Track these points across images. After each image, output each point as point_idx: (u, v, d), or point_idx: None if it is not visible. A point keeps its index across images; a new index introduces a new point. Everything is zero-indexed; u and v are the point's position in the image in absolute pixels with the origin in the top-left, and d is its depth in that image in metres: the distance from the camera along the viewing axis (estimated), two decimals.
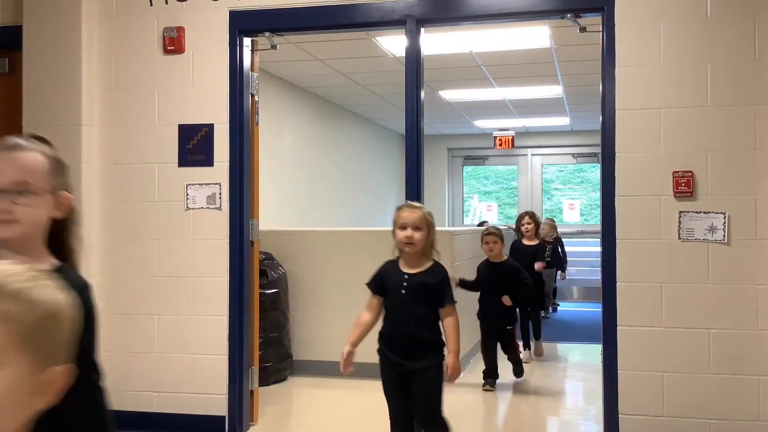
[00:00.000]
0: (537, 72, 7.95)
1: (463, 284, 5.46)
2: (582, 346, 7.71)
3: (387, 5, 4.27)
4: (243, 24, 4.42)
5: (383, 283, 3.32)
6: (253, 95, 4.56)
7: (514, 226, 7.39)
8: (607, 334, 3.97)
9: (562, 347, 7.71)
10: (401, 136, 12.26)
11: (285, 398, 5.46)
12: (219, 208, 4.40)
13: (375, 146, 12.13)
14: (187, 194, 4.43)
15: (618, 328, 3.93)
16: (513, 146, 11.17)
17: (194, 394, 4.40)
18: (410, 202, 3.43)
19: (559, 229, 10.67)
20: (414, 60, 4.28)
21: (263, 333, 5.37)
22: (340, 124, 10.44)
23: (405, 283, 3.25)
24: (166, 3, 4.48)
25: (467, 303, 5.43)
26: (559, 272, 9.28)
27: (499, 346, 5.68)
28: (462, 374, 5.94)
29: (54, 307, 1.01)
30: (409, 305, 3.25)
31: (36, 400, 0.98)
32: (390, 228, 3.38)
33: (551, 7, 4.11)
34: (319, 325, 5.93)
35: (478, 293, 5.68)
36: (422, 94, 4.31)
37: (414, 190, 4.27)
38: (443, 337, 3.31)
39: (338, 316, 5.43)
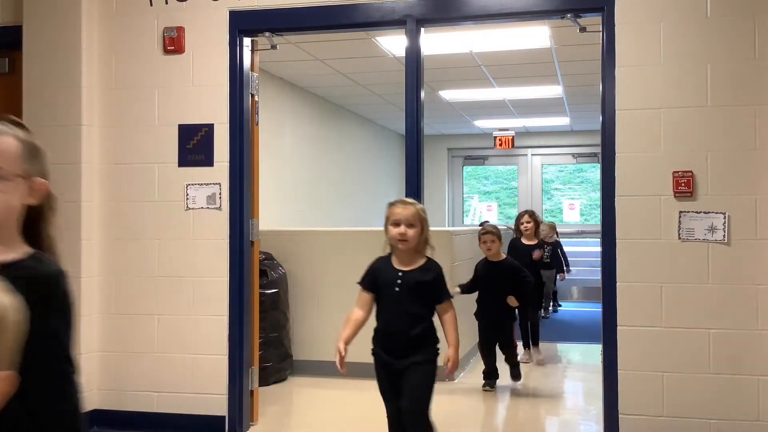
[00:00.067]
0: (537, 72, 7.95)
1: (463, 290, 5.41)
2: (582, 346, 7.71)
3: (387, 5, 4.27)
4: (243, 24, 4.42)
5: (376, 279, 3.26)
6: (253, 95, 4.56)
7: (514, 226, 7.28)
8: (607, 334, 3.97)
9: (562, 347, 7.71)
10: (401, 136, 12.26)
11: (285, 398, 5.46)
12: (219, 208, 4.40)
13: (375, 146, 12.13)
14: (187, 194, 4.43)
15: (618, 328, 3.93)
16: (513, 146, 11.17)
17: (194, 394, 4.40)
18: (403, 198, 3.36)
19: (559, 229, 10.68)
20: (414, 60, 4.28)
21: (263, 333, 5.37)
22: (340, 124, 10.44)
23: (399, 281, 3.20)
24: (166, 3, 4.48)
25: (466, 302, 5.43)
26: (558, 274, 9.25)
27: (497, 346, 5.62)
28: (461, 374, 6.00)
29: None
30: (403, 303, 3.19)
31: None
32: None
33: (551, 7, 4.11)
34: (319, 325, 5.93)
35: (476, 293, 5.59)
36: (422, 94, 4.31)
37: (414, 190, 4.27)
38: (436, 334, 3.27)
39: (338, 316, 5.40)
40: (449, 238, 5.93)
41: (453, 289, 5.37)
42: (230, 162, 4.39)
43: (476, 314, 5.64)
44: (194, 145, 4.44)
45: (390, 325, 3.22)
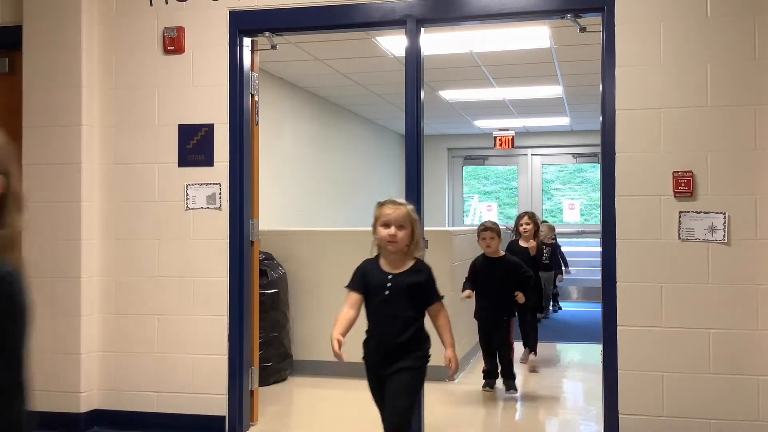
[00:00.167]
0: (537, 72, 7.95)
1: (465, 288, 5.35)
2: (582, 346, 7.71)
3: (387, 5, 4.27)
4: (243, 24, 4.42)
5: (365, 281, 3.15)
6: (253, 95, 4.56)
7: (513, 227, 7.13)
8: (607, 334, 3.97)
9: (562, 347, 7.71)
10: (401, 136, 12.26)
11: (285, 398, 5.46)
12: (219, 208, 4.40)
13: (375, 146, 12.12)
14: (187, 194, 4.43)
15: (618, 328, 3.93)
16: (513, 146, 11.17)
17: (194, 394, 4.40)
18: (393, 198, 3.25)
19: (559, 229, 10.68)
20: (414, 60, 4.28)
21: (263, 333, 5.37)
22: (340, 124, 10.44)
23: (389, 284, 3.11)
24: (166, 3, 4.48)
25: (466, 302, 5.42)
26: (557, 275, 9.19)
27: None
28: (461, 374, 5.99)
29: None
30: (392, 306, 3.10)
31: None
32: None
33: (551, 7, 4.11)
34: (319, 325, 5.92)
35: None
36: (422, 94, 4.31)
37: (414, 190, 4.27)
38: (427, 337, 3.20)
39: None
40: (449, 238, 5.93)
41: (461, 295, 5.33)
42: (230, 162, 4.39)
43: (475, 315, 5.57)
44: (194, 145, 4.44)
45: (380, 330, 3.13)
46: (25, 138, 4.50)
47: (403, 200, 3.25)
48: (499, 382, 5.54)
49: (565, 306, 10.43)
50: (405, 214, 3.13)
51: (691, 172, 3.85)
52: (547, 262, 8.75)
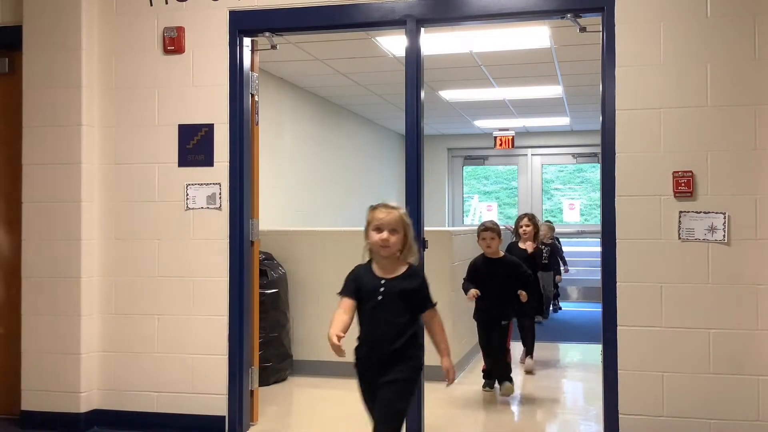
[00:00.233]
0: (537, 72, 7.95)
1: (467, 288, 5.29)
2: (582, 346, 7.71)
3: (387, 5, 4.27)
4: (243, 24, 4.42)
5: (358, 288, 3.07)
6: (253, 95, 4.56)
7: (513, 228, 7.05)
8: (607, 334, 3.97)
9: (562, 347, 7.71)
10: (401, 136, 12.27)
11: (285, 398, 5.46)
12: (219, 208, 4.40)
13: (375, 146, 12.13)
14: (187, 194, 4.43)
15: (618, 328, 3.93)
16: (513, 146, 11.18)
17: (194, 394, 4.40)
18: (385, 202, 3.16)
19: (559, 229, 10.69)
20: (414, 60, 4.28)
21: (263, 333, 5.37)
22: (340, 124, 10.44)
23: (381, 289, 3.03)
24: (166, 3, 4.48)
25: (465, 302, 5.42)
26: (555, 276, 9.15)
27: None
28: (461, 374, 6.00)
29: None
30: (385, 312, 3.02)
31: None
32: None
33: (551, 7, 4.11)
34: (319, 325, 5.91)
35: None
36: (422, 94, 4.31)
37: (414, 190, 4.27)
38: (421, 343, 3.12)
39: None
40: (449, 238, 5.93)
41: (468, 294, 5.24)
42: (230, 162, 4.39)
43: (474, 316, 5.51)
44: (194, 145, 4.44)
45: (373, 336, 3.05)
46: (25, 138, 4.50)
47: (395, 203, 3.16)
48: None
49: (565, 306, 10.43)
50: (398, 218, 3.05)
51: (691, 172, 3.85)
52: (546, 262, 8.75)
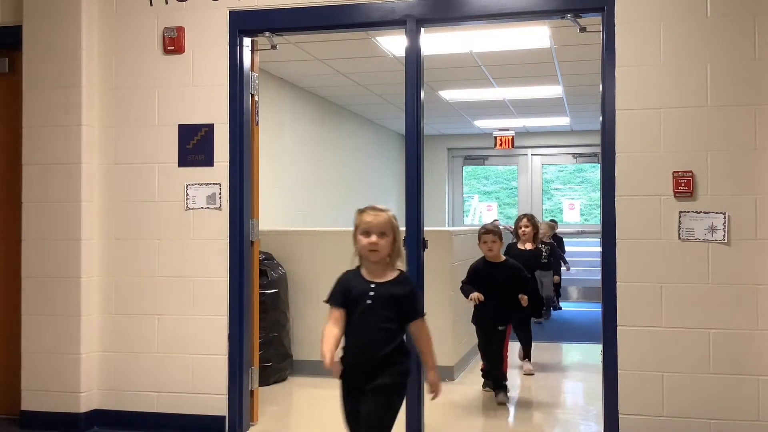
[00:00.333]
0: (537, 72, 7.95)
1: (467, 292, 5.20)
2: (582, 346, 7.71)
3: (387, 5, 4.27)
4: (243, 24, 4.42)
5: (347, 295, 2.98)
6: (253, 95, 4.56)
7: (513, 229, 7.00)
8: (607, 334, 3.97)
9: (562, 347, 7.71)
10: (401, 136, 12.27)
11: (285, 398, 5.46)
12: (219, 208, 4.40)
13: (375, 146, 12.13)
14: (187, 194, 4.43)
15: (618, 328, 3.93)
16: (513, 146, 11.19)
17: (194, 394, 4.40)
18: (374, 205, 3.07)
19: (559, 229, 10.69)
20: (414, 60, 4.28)
21: (263, 333, 5.37)
22: (340, 124, 10.45)
23: (372, 292, 2.94)
24: (166, 3, 4.48)
25: (465, 303, 5.40)
26: (554, 276, 9.10)
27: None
28: (462, 374, 5.99)
29: None
30: (375, 317, 2.92)
31: None
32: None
33: (551, 7, 4.11)
34: (319, 325, 5.84)
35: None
36: (422, 94, 4.31)
37: (414, 190, 4.27)
38: (408, 350, 3.01)
39: None
40: (449, 238, 5.93)
41: (471, 296, 5.11)
42: (230, 162, 4.39)
43: (473, 320, 5.38)
44: (194, 145, 4.44)
45: (362, 341, 2.95)
46: (25, 138, 4.50)
47: (383, 206, 3.07)
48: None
49: (565, 306, 10.43)
50: (386, 220, 2.97)
51: (691, 172, 3.85)
52: (546, 261, 8.74)
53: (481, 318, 5.31)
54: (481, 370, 5.57)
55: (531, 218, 6.62)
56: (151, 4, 4.49)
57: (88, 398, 4.47)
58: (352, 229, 3.09)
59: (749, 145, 3.80)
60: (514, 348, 6.08)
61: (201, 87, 4.44)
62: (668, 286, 3.87)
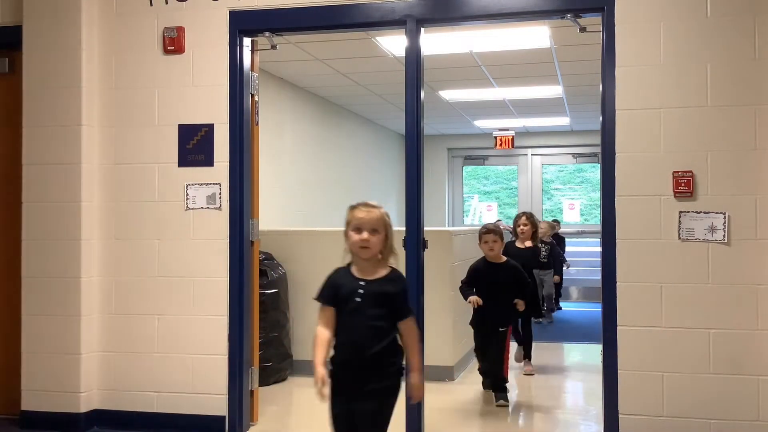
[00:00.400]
0: (537, 72, 7.95)
1: (466, 294, 5.15)
2: (582, 346, 7.71)
3: (387, 5, 4.27)
4: (243, 24, 4.42)
5: (336, 293, 2.95)
6: (253, 95, 4.56)
7: (511, 228, 6.89)
8: (607, 334, 3.97)
9: (562, 347, 7.71)
10: (401, 136, 12.27)
11: (285, 398, 5.46)
12: (219, 208, 4.40)
13: (375, 146, 12.13)
14: (187, 194, 4.43)
15: (618, 328, 3.93)
16: (513, 146, 11.19)
17: (194, 394, 4.40)
18: (366, 201, 3.00)
19: (560, 230, 10.70)
20: (414, 60, 4.28)
21: (263, 333, 5.37)
22: (340, 124, 10.45)
23: (361, 290, 2.89)
24: (166, 3, 4.48)
25: (465, 304, 5.40)
26: (554, 275, 9.04)
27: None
28: (462, 374, 5.99)
29: None
30: (365, 315, 2.87)
31: None
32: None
33: (551, 7, 4.11)
34: None
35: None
36: (422, 94, 4.31)
37: (414, 190, 4.27)
38: (401, 351, 2.95)
39: None
40: (449, 238, 5.93)
41: (470, 299, 5.07)
42: (230, 162, 4.39)
43: (472, 322, 5.28)
44: (194, 145, 4.44)
45: (351, 341, 2.91)
46: (25, 138, 4.50)
47: (376, 203, 3.00)
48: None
49: (565, 306, 10.43)
50: (378, 217, 2.89)
51: (691, 172, 3.85)
52: (545, 260, 8.72)
53: (480, 319, 5.22)
54: (478, 369, 5.51)
55: (530, 216, 6.57)
56: (151, 4, 4.49)
57: (88, 398, 4.47)
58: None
59: (749, 145, 3.80)
60: (512, 349, 6.08)
61: (201, 87, 4.44)
62: (668, 286, 3.87)
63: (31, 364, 4.47)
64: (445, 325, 5.72)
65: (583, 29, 4.24)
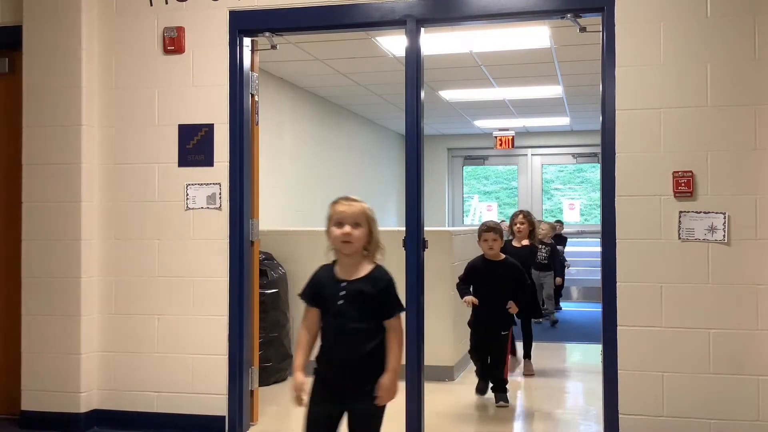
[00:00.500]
0: (537, 72, 7.95)
1: (463, 292, 5.11)
2: (582, 346, 7.71)
3: (387, 5, 4.27)
4: (243, 24, 4.42)
5: (320, 292, 2.86)
6: (253, 95, 4.56)
7: (508, 226, 6.82)
8: (607, 334, 3.97)
9: (562, 347, 7.71)
10: (401, 136, 12.27)
11: (285, 398, 5.44)
12: (219, 208, 4.40)
13: (375, 146, 12.13)
14: (187, 194, 4.43)
15: (618, 328, 3.93)
16: (513, 146, 11.18)
17: (194, 394, 4.40)
18: (347, 195, 2.91)
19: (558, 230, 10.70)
20: (414, 60, 4.28)
21: (263, 333, 5.37)
22: (340, 124, 10.44)
23: (343, 292, 2.77)
24: (166, 3, 4.48)
25: (461, 304, 5.38)
26: (556, 277, 8.97)
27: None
28: (462, 373, 5.99)
29: None
30: (347, 318, 2.75)
31: None
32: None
33: (551, 7, 4.11)
34: None
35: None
36: (422, 94, 4.31)
37: (414, 190, 4.26)
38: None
39: None
40: (449, 238, 5.93)
41: (466, 299, 5.04)
42: (230, 162, 4.39)
43: (470, 322, 5.22)
44: (194, 145, 4.44)
45: (334, 346, 2.80)
46: (25, 138, 4.50)
47: (357, 197, 2.91)
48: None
49: (565, 306, 10.43)
50: (360, 210, 2.80)
51: (691, 172, 3.85)
52: (546, 262, 8.70)
53: (480, 322, 5.15)
54: (475, 372, 5.36)
55: (527, 215, 6.50)
56: (151, 4, 4.49)
57: (88, 398, 4.47)
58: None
59: (749, 145, 3.80)
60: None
61: (201, 87, 4.44)
62: (668, 286, 3.87)
63: (31, 364, 4.47)
64: (445, 325, 5.72)
65: (583, 29, 4.24)
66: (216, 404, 4.38)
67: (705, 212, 3.84)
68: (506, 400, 5.10)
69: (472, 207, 14.65)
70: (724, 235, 3.81)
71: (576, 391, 5.98)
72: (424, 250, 4.29)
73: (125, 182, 4.52)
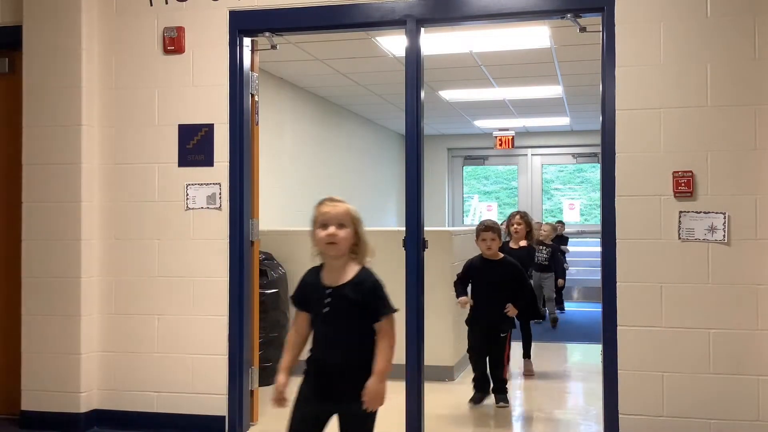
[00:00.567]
0: (537, 72, 7.95)
1: (460, 292, 5.09)
2: (582, 346, 7.71)
3: (387, 5, 4.27)
4: (243, 24, 4.42)
5: (308, 296, 2.78)
6: (253, 95, 4.56)
7: (505, 227, 6.64)
8: (607, 334, 3.97)
9: (563, 347, 7.71)
10: (401, 136, 12.27)
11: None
12: (219, 208, 4.40)
13: (375, 146, 12.13)
14: (187, 194, 4.43)
15: (618, 328, 3.93)
16: (513, 146, 11.19)
17: (194, 394, 4.40)
18: (331, 196, 2.87)
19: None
20: (414, 60, 4.28)
21: (263, 333, 5.37)
22: (340, 124, 10.44)
23: (328, 299, 2.70)
24: (166, 3, 4.48)
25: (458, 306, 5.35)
26: (558, 279, 8.89)
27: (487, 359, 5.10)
28: (461, 373, 5.99)
29: None
30: (334, 325, 2.71)
31: None
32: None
33: (551, 7, 4.11)
34: None
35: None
36: (422, 94, 4.31)
37: (414, 190, 4.26)
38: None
39: None
40: (449, 238, 5.92)
41: (461, 300, 5.03)
42: (230, 162, 4.39)
43: (468, 320, 5.19)
44: (194, 145, 4.44)
45: (323, 351, 2.77)
46: (25, 138, 4.50)
47: (341, 198, 2.86)
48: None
49: (566, 306, 10.42)
50: (344, 211, 2.77)
51: (691, 172, 3.85)
52: (546, 263, 8.68)
53: (479, 322, 5.11)
54: (473, 380, 5.19)
55: (524, 216, 6.41)
56: (151, 4, 4.49)
57: (88, 398, 4.47)
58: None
59: (749, 145, 3.80)
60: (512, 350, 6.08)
61: (201, 87, 4.44)
62: (668, 286, 3.87)
63: (31, 364, 4.47)
64: (445, 325, 5.72)
65: (583, 29, 4.24)
66: (216, 404, 4.38)
67: (705, 212, 3.84)
68: (506, 401, 5.09)
69: (472, 207, 14.65)
70: (724, 235, 3.81)
71: (576, 391, 5.98)
72: (424, 250, 4.29)
73: (125, 182, 4.52)
